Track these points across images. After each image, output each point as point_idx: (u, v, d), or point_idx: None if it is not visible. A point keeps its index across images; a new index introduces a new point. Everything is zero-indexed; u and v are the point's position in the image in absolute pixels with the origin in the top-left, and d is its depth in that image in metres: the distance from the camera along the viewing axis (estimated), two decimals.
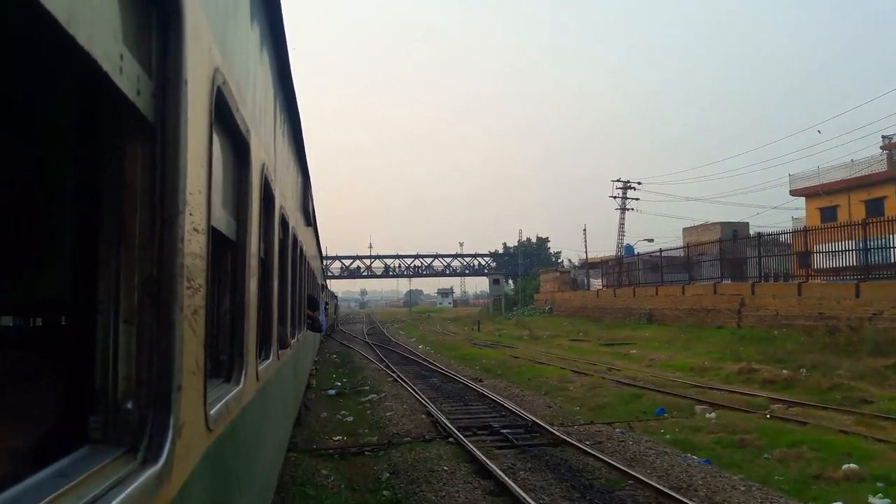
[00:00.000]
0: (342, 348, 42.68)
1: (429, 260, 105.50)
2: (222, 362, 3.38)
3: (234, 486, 3.19)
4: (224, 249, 3.36)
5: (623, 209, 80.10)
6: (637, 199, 80.00)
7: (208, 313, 2.45)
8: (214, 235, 2.66)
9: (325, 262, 60.35)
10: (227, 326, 3.38)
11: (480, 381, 23.73)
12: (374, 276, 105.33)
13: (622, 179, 79.82)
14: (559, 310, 64.03)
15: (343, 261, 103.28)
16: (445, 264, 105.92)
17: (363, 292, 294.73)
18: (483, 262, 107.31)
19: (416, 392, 20.96)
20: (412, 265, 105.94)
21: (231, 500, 3.09)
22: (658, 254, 49.64)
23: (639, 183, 79.63)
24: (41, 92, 2.33)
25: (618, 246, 77.19)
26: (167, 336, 1.94)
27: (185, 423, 2.09)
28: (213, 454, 2.62)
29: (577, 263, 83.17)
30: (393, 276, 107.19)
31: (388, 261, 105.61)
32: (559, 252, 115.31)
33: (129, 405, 1.83)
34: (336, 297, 77.56)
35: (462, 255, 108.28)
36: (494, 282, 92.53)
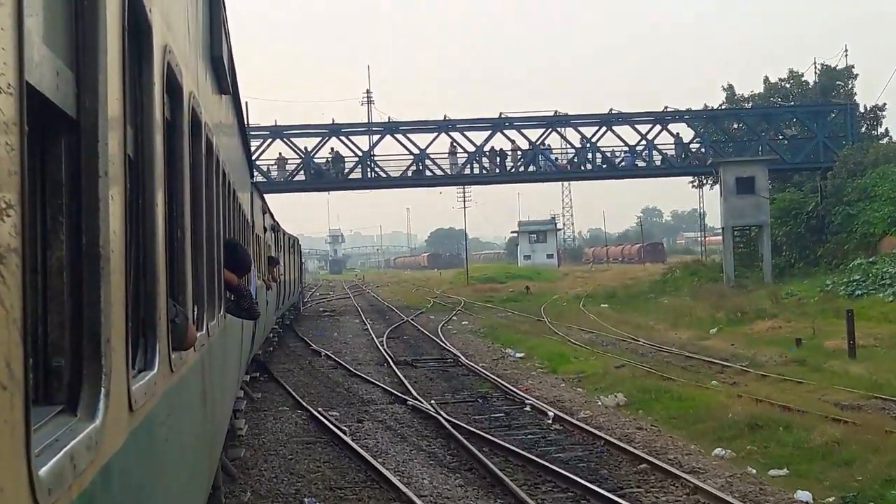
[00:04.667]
0: None
1: (530, 131, 41.27)
2: (60, 374, 1.66)
3: None
4: (51, 135, 1.68)
5: None
6: None
7: (25, 263, 1.26)
8: (32, 101, 1.32)
9: (253, 153, 25.48)
10: (62, 297, 1.67)
11: None
12: (391, 182, 41.62)
13: None
14: None
15: (293, 140, 40.63)
16: (587, 141, 40.47)
17: (336, 237, 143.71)
18: (676, 132, 41.46)
19: None
20: (498, 147, 41.20)
21: None
22: None
23: None
24: None
25: None
26: None
27: None
28: None
29: None
30: (448, 183, 45.86)
31: (417, 140, 40.19)
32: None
33: None
34: (297, 242, 35.61)
35: (612, 116, 41.03)
36: (783, 183, 38.32)
